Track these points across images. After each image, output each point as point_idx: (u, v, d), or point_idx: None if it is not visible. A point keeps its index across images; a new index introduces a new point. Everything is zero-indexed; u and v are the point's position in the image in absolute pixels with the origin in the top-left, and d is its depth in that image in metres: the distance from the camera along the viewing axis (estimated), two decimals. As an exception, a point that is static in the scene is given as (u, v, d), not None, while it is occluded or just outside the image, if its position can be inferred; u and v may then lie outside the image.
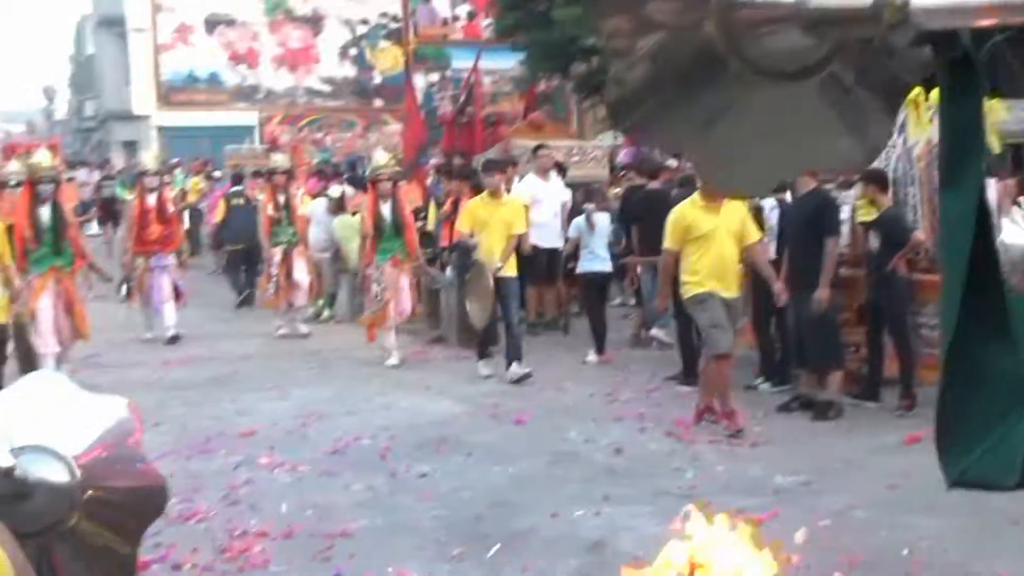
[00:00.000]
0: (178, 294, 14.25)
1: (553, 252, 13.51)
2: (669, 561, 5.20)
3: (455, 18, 42.97)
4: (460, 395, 10.73)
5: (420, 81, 39.41)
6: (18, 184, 11.99)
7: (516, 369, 11.19)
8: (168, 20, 41.08)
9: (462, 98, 22.17)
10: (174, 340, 13.85)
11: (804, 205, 9.66)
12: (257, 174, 20.82)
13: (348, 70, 42.91)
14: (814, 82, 2.62)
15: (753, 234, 9.36)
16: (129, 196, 14.45)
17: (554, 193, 13.85)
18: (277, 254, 14.51)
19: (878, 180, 9.71)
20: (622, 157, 18.95)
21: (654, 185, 12.76)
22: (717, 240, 9.11)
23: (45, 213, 11.55)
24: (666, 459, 8.28)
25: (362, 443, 8.91)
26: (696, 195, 9.31)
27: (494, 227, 11.37)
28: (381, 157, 13.31)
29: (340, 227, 15.59)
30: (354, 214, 14.53)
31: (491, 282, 11.05)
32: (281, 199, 14.70)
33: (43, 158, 12.15)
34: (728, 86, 2.60)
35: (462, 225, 11.75)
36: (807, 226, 9.47)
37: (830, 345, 9.57)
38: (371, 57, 43.11)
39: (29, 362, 10.83)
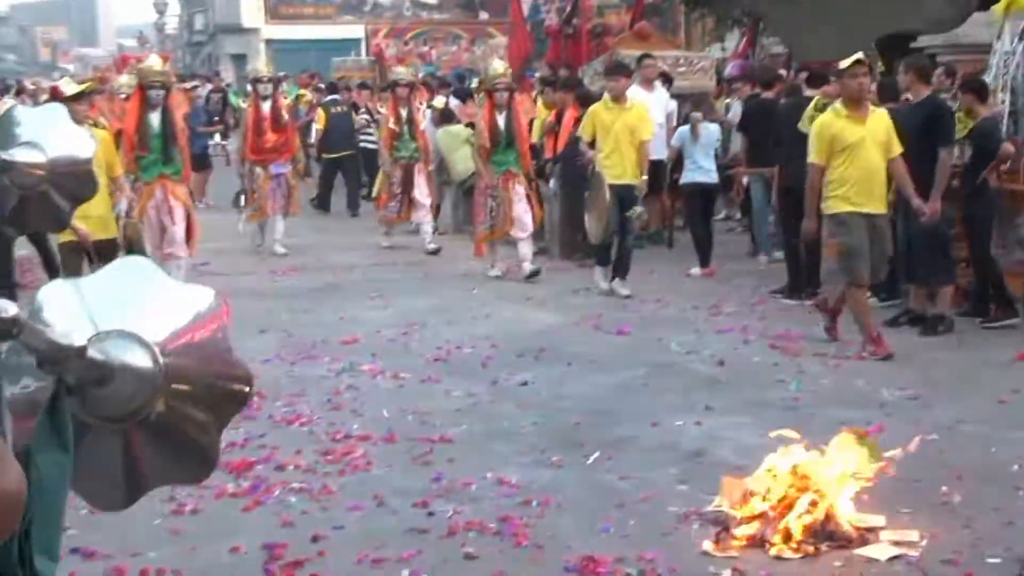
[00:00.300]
0: (290, 203, 14.05)
1: (657, 163, 13.27)
2: (772, 468, 5.18)
3: (563, -72, 42.33)
4: (562, 306, 10.71)
5: (527, -7, 39.08)
6: (129, 95, 11.91)
7: (619, 287, 11.02)
8: (278, -68, 41.19)
9: (568, 9, 21.93)
10: (282, 255, 13.68)
11: (917, 113, 9.34)
12: (363, 86, 20.88)
13: (455, -18, 42.70)
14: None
15: (897, 146, 8.74)
16: (243, 104, 14.19)
17: (658, 103, 13.64)
18: (398, 170, 14.22)
19: (976, 89, 9.41)
20: (730, 69, 18.61)
21: (767, 95, 12.53)
22: (863, 151, 8.55)
23: (155, 120, 11.04)
24: (769, 371, 8.18)
25: (463, 352, 8.95)
26: (839, 103, 8.77)
27: (619, 134, 10.95)
28: (498, 66, 12.88)
29: (444, 138, 15.54)
30: (468, 125, 14.40)
31: (608, 194, 10.67)
32: (403, 112, 14.28)
33: (154, 63, 11.73)
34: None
35: (584, 132, 11.31)
36: (920, 135, 9.15)
37: (940, 260, 9.32)
38: (477, -31, 42.78)
39: None
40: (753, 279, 11.80)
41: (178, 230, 10.99)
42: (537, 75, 19.41)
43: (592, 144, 11.10)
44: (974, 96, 9.43)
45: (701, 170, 12.57)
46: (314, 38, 38.81)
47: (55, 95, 9.93)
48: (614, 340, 9.32)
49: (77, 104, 8.90)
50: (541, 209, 12.86)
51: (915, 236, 9.24)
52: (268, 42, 40.52)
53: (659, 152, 13.20)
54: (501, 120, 12.20)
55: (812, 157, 8.77)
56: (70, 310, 2.01)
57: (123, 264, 2.37)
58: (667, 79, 14.57)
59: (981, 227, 9.45)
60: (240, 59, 42.18)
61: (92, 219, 8.66)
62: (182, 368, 2.03)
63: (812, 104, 10.49)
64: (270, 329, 9.80)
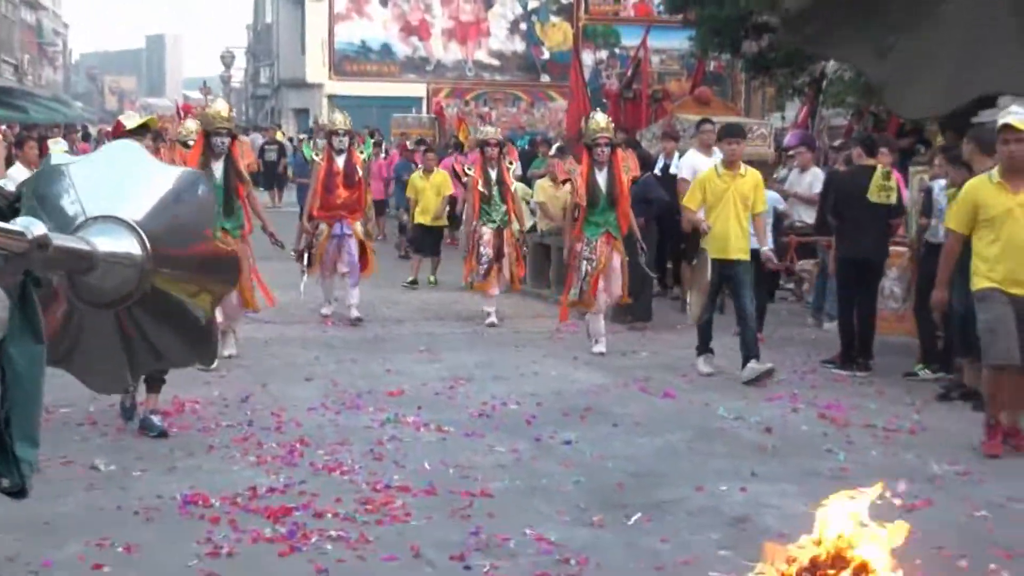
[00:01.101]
0: (363, 265, 12.90)
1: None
2: (816, 539, 5.05)
3: (627, -5, 42.69)
4: (609, 367, 10.64)
5: (588, 59, 39.34)
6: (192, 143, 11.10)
7: (753, 366, 9.95)
8: (344, -9, 41.78)
9: (628, 73, 22.04)
10: (357, 322, 12.74)
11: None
12: (421, 142, 21.04)
13: (517, 45, 43.03)
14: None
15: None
16: (316, 157, 13.03)
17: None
18: (486, 233, 13.12)
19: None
20: (788, 139, 18.57)
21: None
22: (1009, 223, 7.83)
23: (218, 170, 10.33)
24: (818, 440, 8.05)
25: (509, 408, 8.90)
26: (995, 170, 8.13)
27: (729, 203, 10.09)
28: (600, 119, 11.66)
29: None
30: (564, 182, 13.23)
31: (709, 275, 9.92)
32: (492, 174, 13.31)
33: (220, 108, 11.00)
34: (911, 1, 2.41)
35: (691, 201, 10.35)
36: (979, 208, 9.07)
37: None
38: (540, 33, 43.11)
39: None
40: (805, 348, 11.67)
41: (234, 295, 9.86)
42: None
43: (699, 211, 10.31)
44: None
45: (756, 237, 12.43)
46: (376, 95, 39.20)
47: (117, 131, 9.63)
48: (661, 403, 9.23)
49: (138, 139, 8.35)
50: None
51: (970, 308, 9.09)
52: (331, 97, 41.01)
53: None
54: (601, 178, 11.35)
55: (950, 223, 8.35)
56: (62, 198, 2.03)
57: (111, 148, 2.37)
58: (635, 146, 14.66)
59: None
60: (303, 113, 42.72)
61: None
62: (169, 250, 2.03)
63: (879, 174, 10.45)
64: (316, 378, 9.82)
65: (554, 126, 28.90)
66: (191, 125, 11.83)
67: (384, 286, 15.56)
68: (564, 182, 11.79)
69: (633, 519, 6.24)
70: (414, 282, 16.39)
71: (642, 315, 12.91)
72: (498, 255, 13.13)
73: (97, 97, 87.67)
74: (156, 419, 7.88)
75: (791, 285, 15.10)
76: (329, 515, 6.23)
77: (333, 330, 12.42)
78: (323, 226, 12.71)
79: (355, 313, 12.84)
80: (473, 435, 8.04)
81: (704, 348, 10.45)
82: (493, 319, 12.97)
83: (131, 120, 9.68)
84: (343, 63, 41.95)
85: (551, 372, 10.35)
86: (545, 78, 42.40)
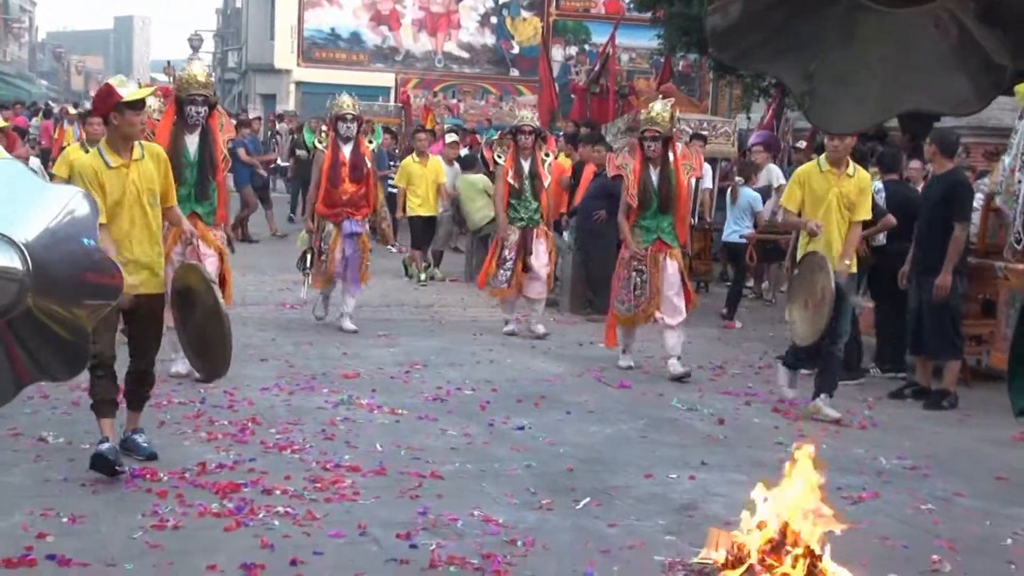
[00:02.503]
0: (362, 270, 11.45)
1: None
2: (759, 522, 5.10)
3: (598, -8, 42.77)
4: (566, 357, 10.66)
5: (558, 54, 39.44)
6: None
7: (823, 405, 8.59)
8: (315, -23, 41.63)
9: (596, 68, 22.07)
10: (352, 333, 11.25)
11: (937, 186, 9.34)
12: (387, 130, 20.88)
13: (487, 38, 42.99)
14: (929, 16, 2.46)
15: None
16: (319, 145, 11.51)
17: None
18: (514, 233, 11.66)
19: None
20: (753, 139, 18.66)
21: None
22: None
23: (192, 144, 8.91)
24: (769, 433, 8.10)
25: (463, 393, 8.90)
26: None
27: (831, 206, 8.62)
28: (657, 108, 10.16)
29: (462, 186, 15.63)
30: (615, 178, 10.74)
31: (833, 285, 8.15)
32: (525, 165, 11.63)
33: (197, 71, 9.16)
34: (836, 18, 2.47)
35: (789, 201, 8.78)
36: (937, 208, 9.16)
37: (949, 334, 9.25)
38: (511, 27, 43.10)
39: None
40: (762, 343, 11.73)
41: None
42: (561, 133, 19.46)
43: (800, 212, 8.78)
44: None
45: (737, 230, 13.49)
46: (344, 83, 39.07)
47: (107, 100, 6.57)
48: (615, 393, 9.25)
49: (133, 114, 6.50)
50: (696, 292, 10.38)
51: (925, 308, 9.19)
52: (298, 84, 40.88)
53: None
54: (654, 175, 9.94)
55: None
56: None
57: None
58: (703, 140, 14.83)
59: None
60: (270, 99, 42.50)
61: (138, 267, 6.57)
62: (50, 267, 2.03)
63: None
64: (271, 358, 9.79)
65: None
66: (153, 103, 9.54)
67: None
68: (614, 178, 10.39)
69: (582, 503, 6.26)
70: (426, 278, 15.39)
71: (602, 308, 12.93)
72: (519, 255, 11.62)
73: (63, 76, 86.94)
74: (141, 439, 6.78)
75: (750, 283, 15.21)
76: (278, 492, 6.21)
77: (291, 313, 12.35)
78: (330, 227, 11.26)
79: (349, 325, 11.37)
80: (426, 418, 8.04)
81: (796, 363, 9.09)
82: (513, 327, 11.76)
83: (127, 89, 6.73)
84: (312, 50, 41.77)
85: (507, 360, 10.36)
86: (514, 72, 42.42)
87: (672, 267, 9.88)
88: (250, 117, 27.15)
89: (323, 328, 11.46)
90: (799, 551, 4.89)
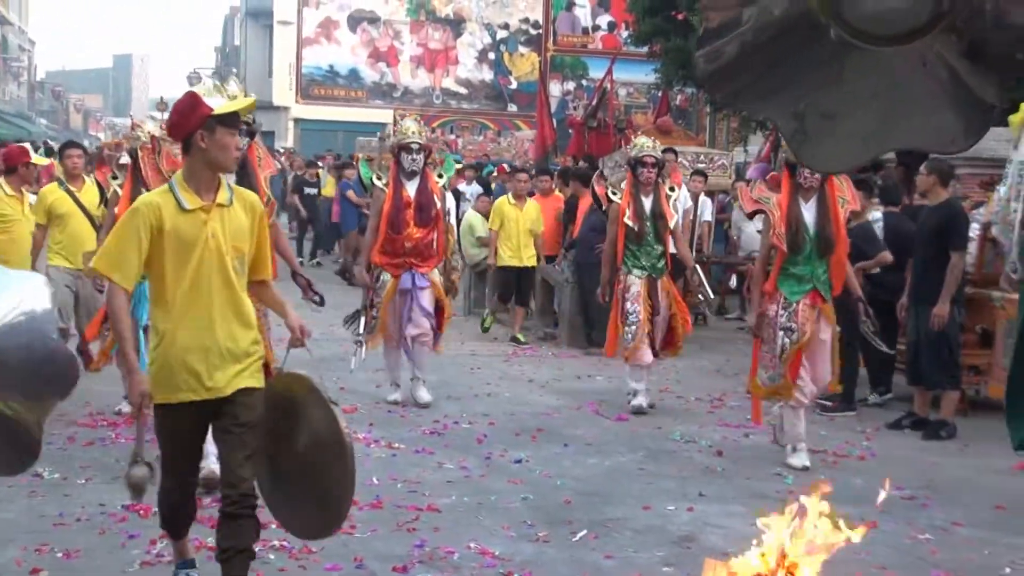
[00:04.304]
0: (435, 333, 9.86)
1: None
2: (761, 554, 5.06)
3: (595, 28, 43.04)
4: (564, 390, 10.64)
5: (555, 89, 39.61)
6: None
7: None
8: (313, 15, 41.97)
9: (594, 102, 22.12)
10: (426, 406, 9.62)
11: (933, 216, 9.34)
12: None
13: (485, 74, 43.25)
14: (916, 54, 2.48)
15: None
16: (379, 183, 9.57)
17: (677, 199, 13.64)
18: (635, 284, 9.67)
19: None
20: (751, 172, 18.70)
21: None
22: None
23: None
24: (767, 464, 8.07)
25: (460, 427, 8.89)
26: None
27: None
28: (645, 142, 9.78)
29: (464, 220, 15.62)
30: (753, 215, 8.98)
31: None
32: (647, 203, 9.71)
33: (233, 89, 7.00)
34: (824, 58, 2.49)
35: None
36: (933, 238, 9.17)
37: (947, 364, 9.24)
38: (508, 63, 43.36)
39: None
40: (759, 376, 11.70)
41: None
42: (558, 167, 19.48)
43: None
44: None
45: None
46: (342, 120, 39.27)
47: (191, 112, 4.77)
48: (613, 426, 9.23)
49: (228, 134, 4.78)
50: (842, 359, 8.40)
51: (922, 338, 9.18)
52: (297, 120, 41.07)
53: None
54: (808, 213, 8.02)
55: None
56: None
57: None
58: (703, 176, 14.92)
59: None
60: (268, 136, 42.65)
61: (224, 358, 5.01)
62: (2, 351, 2.02)
63: None
64: (269, 393, 9.75)
65: (520, 155, 28.90)
66: (149, 126, 8.23)
67: (332, 307, 15.48)
68: (752, 215, 8.58)
69: (579, 535, 6.24)
70: (489, 324, 13.80)
71: (600, 341, 12.92)
72: (650, 313, 9.67)
73: (62, 115, 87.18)
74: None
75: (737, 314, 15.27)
76: (273, 525, 6.17)
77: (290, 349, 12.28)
78: (386, 277, 9.65)
79: (425, 396, 9.69)
80: (423, 452, 8.02)
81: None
82: (642, 400, 9.69)
83: (218, 100, 5.52)
84: (310, 87, 42.01)
85: (505, 394, 10.35)
86: (512, 107, 42.62)
87: (826, 329, 8.10)
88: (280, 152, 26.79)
89: (320, 363, 11.40)
90: (796, 580, 4.86)
